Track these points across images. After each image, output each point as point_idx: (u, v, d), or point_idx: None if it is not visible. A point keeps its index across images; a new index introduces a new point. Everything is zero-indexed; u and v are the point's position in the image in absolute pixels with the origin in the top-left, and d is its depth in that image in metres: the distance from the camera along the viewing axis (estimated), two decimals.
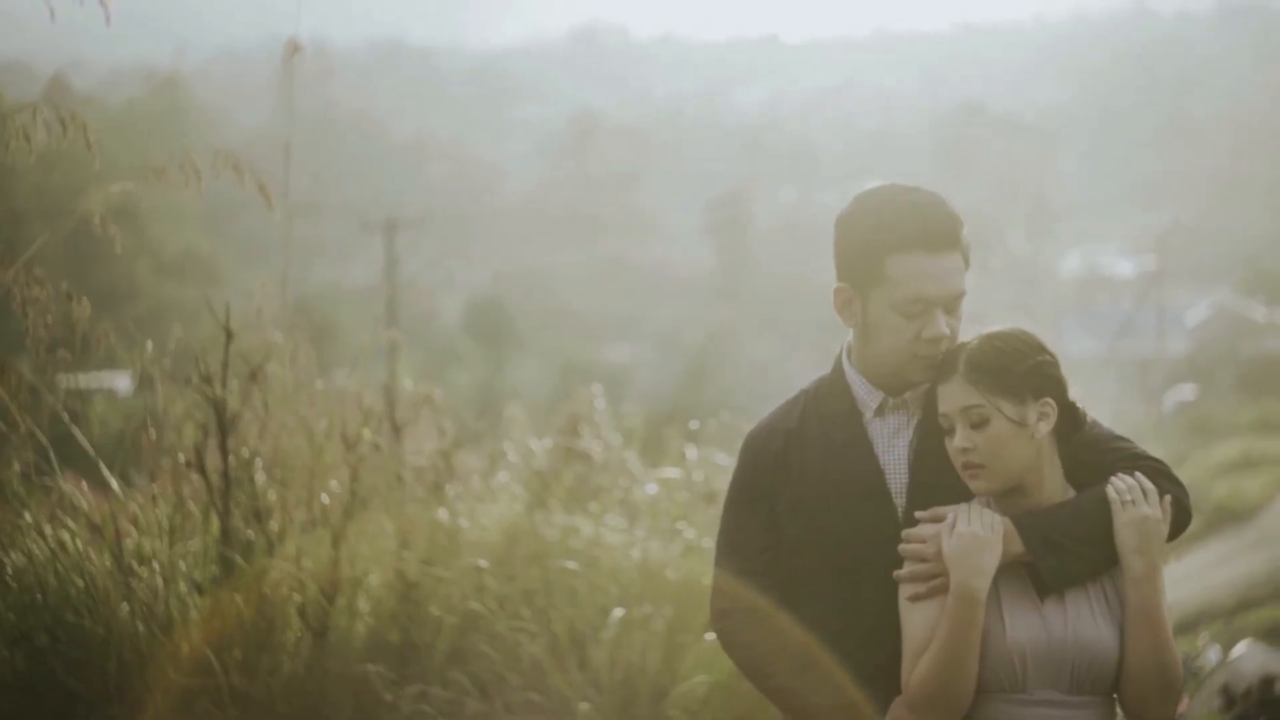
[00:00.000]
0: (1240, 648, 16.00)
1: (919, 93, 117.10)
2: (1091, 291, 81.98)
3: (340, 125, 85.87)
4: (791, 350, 62.66)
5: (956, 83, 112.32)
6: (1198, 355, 65.10)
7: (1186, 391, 59.98)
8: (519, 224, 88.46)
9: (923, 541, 3.48)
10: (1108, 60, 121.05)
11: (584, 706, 6.37)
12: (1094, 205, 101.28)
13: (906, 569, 3.50)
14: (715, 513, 7.35)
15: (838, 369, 3.76)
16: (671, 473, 7.85)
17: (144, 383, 6.53)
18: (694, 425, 8.34)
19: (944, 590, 3.43)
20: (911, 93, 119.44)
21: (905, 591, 3.49)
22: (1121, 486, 3.49)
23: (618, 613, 6.59)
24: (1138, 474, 3.52)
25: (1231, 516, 31.30)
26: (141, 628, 6.06)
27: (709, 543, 7.08)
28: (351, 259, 66.21)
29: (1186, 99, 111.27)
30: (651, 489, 7.65)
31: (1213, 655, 15.13)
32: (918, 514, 3.53)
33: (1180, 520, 3.54)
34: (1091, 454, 3.60)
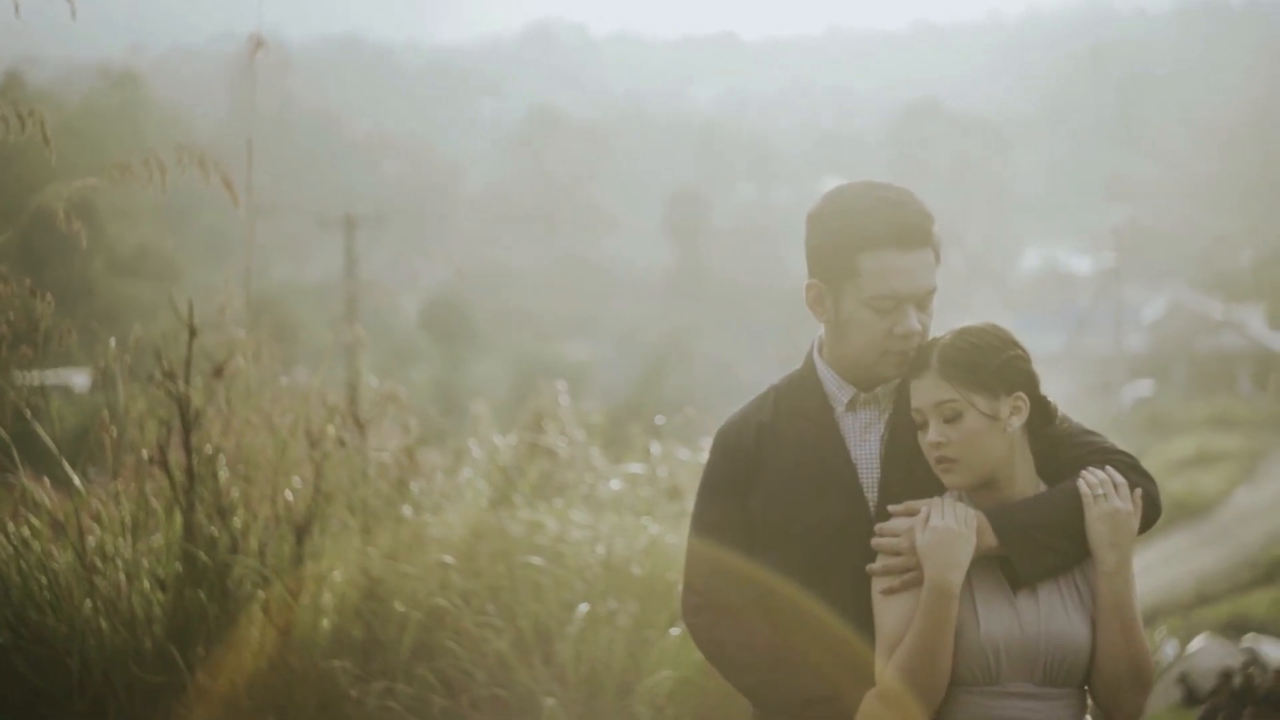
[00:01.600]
0: (1198, 641, 16.10)
1: (876, 90, 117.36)
2: (1049, 288, 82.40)
3: (297, 122, 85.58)
4: (751, 348, 62.72)
5: (913, 81, 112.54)
6: (1155, 351, 65.55)
7: (1144, 387, 60.39)
8: (477, 221, 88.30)
9: (896, 535, 3.49)
10: (1065, 58, 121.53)
11: (549, 702, 6.37)
12: (1051, 203, 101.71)
13: (880, 563, 3.51)
14: (679, 508, 7.38)
15: (809, 364, 3.76)
16: (635, 468, 7.86)
17: (105, 380, 6.50)
18: (659, 421, 8.35)
19: (917, 584, 3.45)
20: (868, 90, 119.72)
21: (879, 585, 3.50)
22: (1093, 480, 3.51)
23: (583, 608, 6.59)
24: (1109, 468, 3.54)
25: (1188, 512, 31.54)
26: (105, 624, 6.05)
27: (673, 538, 7.09)
28: (309, 256, 66.01)
29: (1144, 97, 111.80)
30: (615, 485, 7.66)
31: (1169, 649, 15.23)
32: (891, 508, 3.54)
33: (1150, 514, 3.56)
34: (1062, 448, 3.62)
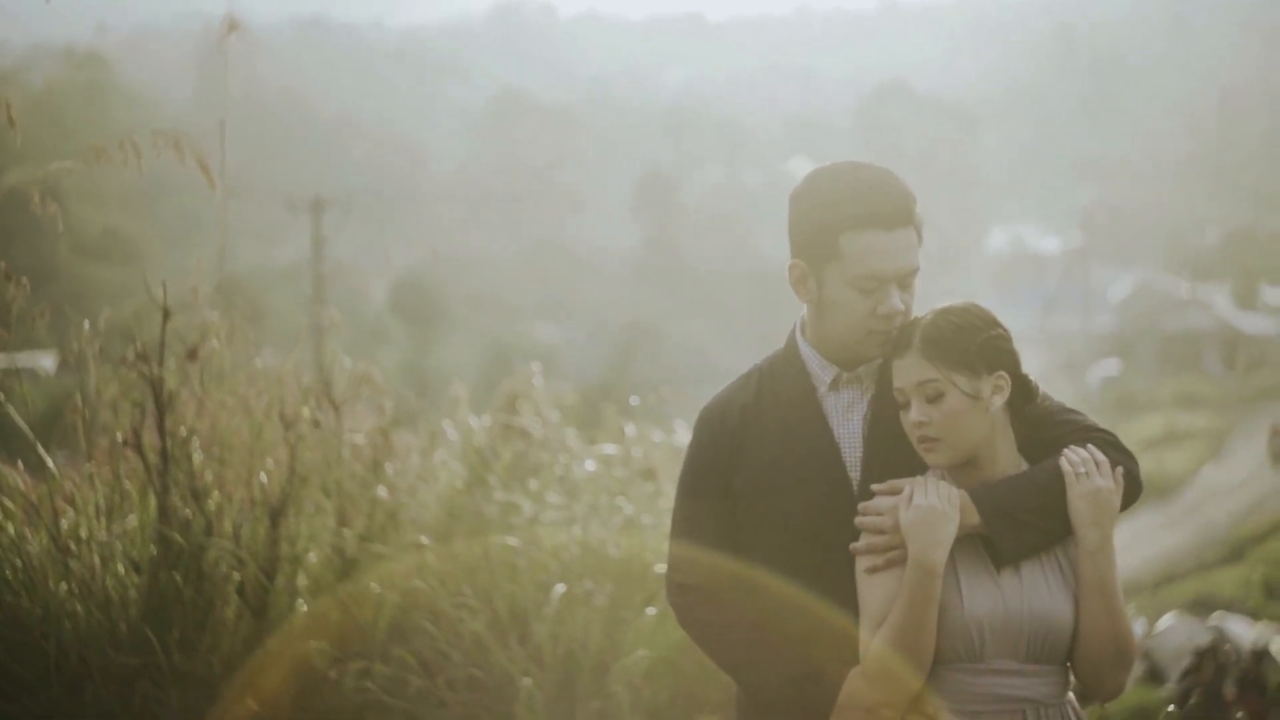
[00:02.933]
0: (1166, 620, 16.19)
1: (845, 72, 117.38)
2: (1017, 268, 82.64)
3: (264, 103, 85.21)
4: (721, 330, 62.74)
5: (882, 62, 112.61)
6: (1122, 331, 65.79)
7: (1111, 367, 60.63)
8: (445, 204, 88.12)
9: (879, 514, 3.50)
10: (1034, 40, 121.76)
11: (526, 682, 6.37)
12: (1019, 184, 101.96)
13: (863, 541, 3.52)
14: (654, 488, 7.39)
15: (791, 344, 3.77)
16: (610, 449, 7.86)
17: (77, 362, 6.49)
18: (634, 401, 8.35)
19: (901, 562, 3.46)
20: (837, 72, 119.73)
21: (862, 564, 3.51)
22: (1075, 459, 3.52)
23: (559, 589, 6.60)
24: (1090, 446, 3.55)
25: (1155, 491, 31.65)
26: (80, 607, 6.04)
27: (648, 519, 7.11)
28: (278, 239, 65.82)
29: (1112, 79, 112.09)
30: (590, 465, 7.66)
31: (1137, 628, 15.34)
32: (874, 487, 3.55)
33: (1132, 491, 3.58)
34: (1043, 427, 3.63)
